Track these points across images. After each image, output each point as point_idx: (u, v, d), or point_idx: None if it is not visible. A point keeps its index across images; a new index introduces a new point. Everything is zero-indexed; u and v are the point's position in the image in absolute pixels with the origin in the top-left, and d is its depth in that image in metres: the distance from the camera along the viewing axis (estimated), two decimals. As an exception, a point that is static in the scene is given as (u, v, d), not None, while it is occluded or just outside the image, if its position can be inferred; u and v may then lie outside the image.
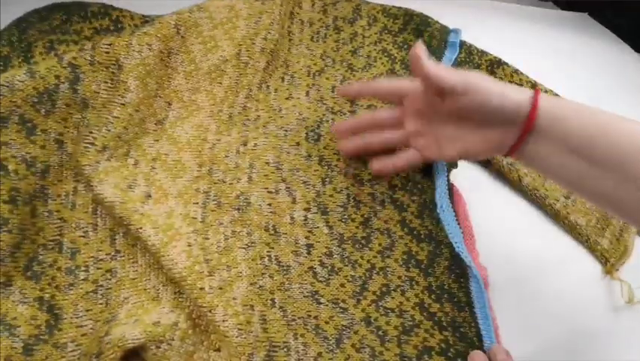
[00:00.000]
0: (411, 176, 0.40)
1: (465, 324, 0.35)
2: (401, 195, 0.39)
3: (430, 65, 0.31)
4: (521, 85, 0.46)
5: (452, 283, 0.36)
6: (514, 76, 0.47)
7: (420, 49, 0.31)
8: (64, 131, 0.33)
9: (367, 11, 0.47)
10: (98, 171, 0.33)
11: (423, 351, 0.33)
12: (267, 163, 0.39)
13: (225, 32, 0.40)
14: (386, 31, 0.46)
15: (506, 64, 0.47)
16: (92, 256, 0.33)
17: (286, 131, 0.40)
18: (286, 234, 0.36)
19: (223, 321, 0.32)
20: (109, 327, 0.30)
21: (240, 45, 0.40)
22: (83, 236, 0.33)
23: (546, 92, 0.47)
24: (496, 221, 0.41)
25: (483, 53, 0.47)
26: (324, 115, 0.41)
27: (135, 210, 0.32)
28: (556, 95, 0.47)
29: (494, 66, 0.47)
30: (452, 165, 0.41)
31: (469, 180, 0.43)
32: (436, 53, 0.44)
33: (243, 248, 0.35)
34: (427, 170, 0.40)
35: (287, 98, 0.42)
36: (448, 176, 0.39)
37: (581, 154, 0.29)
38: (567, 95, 0.47)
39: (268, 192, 0.38)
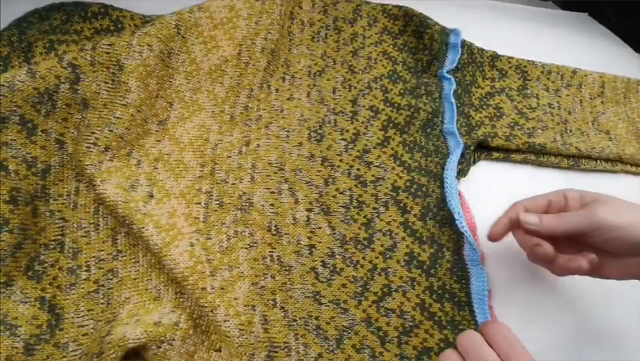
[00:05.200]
0: (416, 178, 0.40)
1: (464, 322, 0.35)
2: (404, 198, 0.39)
3: (545, 222, 0.30)
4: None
5: (454, 283, 0.36)
6: (511, 61, 0.48)
7: (525, 218, 0.31)
8: (64, 132, 0.33)
9: (367, 12, 0.47)
10: (101, 170, 0.33)
11: (422, 352, 0.34)
12: (269, 164, 0.39)
13: (226, 32, 0.40)
14: (386, 33, 0.46)
15: (503, 56, 0.48)
16: (94, 256, 0.33)
17: (288, 131, 0.40)
18: (288, 234, 0.37)
19: (224, 321, 0.32)
20: (110, 327, 0.30)
21: (241, 45, 0.40)
22: (85, 236, 0.33)
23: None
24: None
25: (482, 50, 0.48)
26: (325, 116, 0.42)
27: (137, 209, 0.32)
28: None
29: (494, 60, 0.48)
30: (461, 173, 0.41)
31: (471, 181, 0.43)
32: (438, 55, 0.44)
33: (245, 248, 0.35)
34: (433, 174, 0.40)
35: (288, 99, 0.42)
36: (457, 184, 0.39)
37: None
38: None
39: (271, 192, 0.38)
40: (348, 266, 0.36)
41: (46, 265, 0.32)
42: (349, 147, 0.41)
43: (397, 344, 0.34)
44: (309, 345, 0.33)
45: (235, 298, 0.33)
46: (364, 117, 0.42)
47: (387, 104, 0.42)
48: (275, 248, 0.36)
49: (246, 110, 0.40)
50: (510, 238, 0.41)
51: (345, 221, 0.38)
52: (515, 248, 0.41)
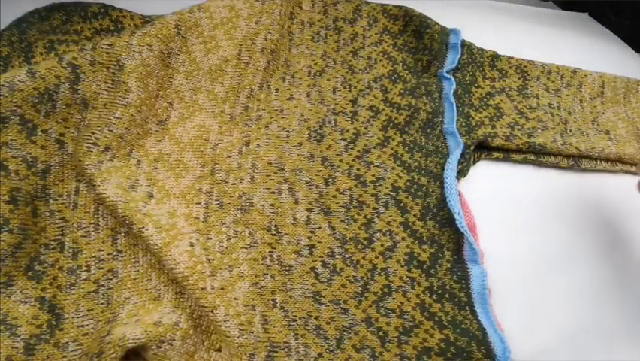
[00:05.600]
0: (416, 178, 0.40)
1: (466, 321, 0.35)
2: (404, 197, 0.39)
3: None
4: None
5: (454, 283, 0.36)
6: (511, 61, 0.48)
7: None
8: (64, 132, 0.33)
9: (367, 12, 0.47)
10: (101, 170, 0.33)
11: (422, 352, 0.34)
12: (269, 164, 0.39)
13: (226, 32, 0.40)
14: (386, 33, 0.46)
15: (503, 56, 0.48)
16: (94, 256, 0.33)
17: (288, 132, 0.40)
18: (288, 234, 0.37)
19: (224, 321, 0.32)
20: (110, 327, 0.30)
21: (241, 45, 0.40)
22: (85, 236, 0.33)
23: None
24: (497, 221, 0.41)
25: (482, 50, 0.48)
26: (325, 116, 0.42)
27: (137, 209, 0.32)
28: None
29: (494, 60, 0.48)
30: (462, 173, 0.41)
31: (471, 181, 0.43)
32: (438, 55, 0.44)
33: (245, 248, 0.36)
34: (433, 174, 0.40)
35: (288, 99, 0.42)
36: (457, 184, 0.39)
37: None
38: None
39: (271, 192, 0.38)
40: (348, 266, 0.36)
41: (46, 265, 0.32)
42: (349, 147, 0.41)
43: (397, 344, 0.34)
44: (309, 345, 0.33)
45: (235, 298, 0.33)
46: (364, 117, 0.42)
47: (387, 104, 0.42)
48: (275, 248, 0.36)
49: (246, 110, 0.40)
50: (509, 238, 0.41)
51: (345, 221, 0.38)
52: (515, 248, 0.41)
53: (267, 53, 0.41)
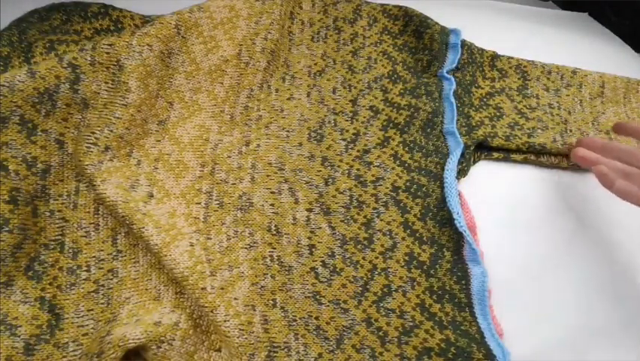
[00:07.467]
0: (416, 179, 0.40)
1: (466, 323, 0.35)
2: (405, 197, 0.39)
3: None
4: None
5: (454, 284, 0.36)
6: (511, 61, 0.48)
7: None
8: (64, 132, 0.33)
9: (367, 12, 0.47)
10: (101, 170, 0.33)
11: (422, 352, 0.34)
12: (269, 164, 0.39)
13: (226, 32, 0.40)
14: (386, 33, 0.46)
15: (503, 56, 0.48)
16: (94, 256, 0.33)
17: (288, 132, 0.40)
18: (288, 234, 0.37)
19: (224, 321, 0.32)
20: (110, 327, 0.30)
21: (241, 45, 0.40)
22: (85, 236, 0.33)
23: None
24: (497, 221, 0.41)
25: (482, 50, 0.48)
26: (325, 116, 0.42)
27: (137, 209, 0.32)
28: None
29: (494, 60, 0.48)
30: (462, 173, 0.41)
31: (471, 181, 0.43)
32: (438, 55, 0.44)
33: (245, 248, 0.36)
34: (433, 174, 0.40)
35: (288, 99, 0.42)
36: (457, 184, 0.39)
37: None
38: (567, 95, 0.47)
39: (271, 192, 0.38)
40: (348, 266, 0.36)
41: (46, 265, 0.32)
42: (349, 147, 0.41)
43: (397, 344, 0.34)
44: (309, 345, 0.33)
45: (235, 298, 0.33)
46: (364, 117, 0.42)
47: (387, 104, 0.42)
48: (275, 248, 0.36)
49: (246, 110, 0.40)
50: (509, 238, 0.41)
51: (345, 221, 0.38)
52: (515, 248, 0.41)
53: (267, 53, 0.41)
